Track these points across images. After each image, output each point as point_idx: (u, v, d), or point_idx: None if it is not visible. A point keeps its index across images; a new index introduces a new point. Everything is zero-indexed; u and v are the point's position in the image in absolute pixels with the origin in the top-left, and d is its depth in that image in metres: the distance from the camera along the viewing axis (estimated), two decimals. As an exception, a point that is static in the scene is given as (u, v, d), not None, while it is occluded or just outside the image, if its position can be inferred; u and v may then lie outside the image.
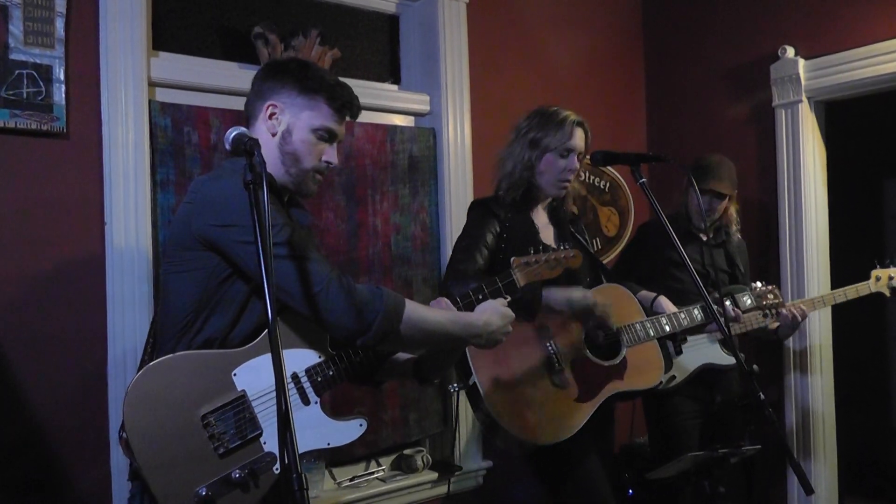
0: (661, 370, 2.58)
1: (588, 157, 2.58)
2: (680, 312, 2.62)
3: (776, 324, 3.07)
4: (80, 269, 2.54)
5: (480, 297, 1.94)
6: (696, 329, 2.74)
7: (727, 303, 2.75)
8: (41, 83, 2.45)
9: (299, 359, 1.76)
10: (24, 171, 2.44)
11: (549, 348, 2.39)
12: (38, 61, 2.44)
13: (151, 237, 2.65)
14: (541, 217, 2.61)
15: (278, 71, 1.88)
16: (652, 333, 2.54)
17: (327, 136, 1.87)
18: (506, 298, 1.97)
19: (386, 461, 3.36)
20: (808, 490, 2.03)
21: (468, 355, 2.28)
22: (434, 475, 3.34)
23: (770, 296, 2.88)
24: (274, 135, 1.84)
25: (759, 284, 2.92)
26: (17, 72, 2.40)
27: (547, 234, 2.59)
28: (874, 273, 3.04)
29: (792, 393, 3.64)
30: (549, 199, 2.63)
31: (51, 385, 2.46)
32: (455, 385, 2.36)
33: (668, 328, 2.58)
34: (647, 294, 2.70)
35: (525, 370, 2.35)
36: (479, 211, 2.55)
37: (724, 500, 2.49)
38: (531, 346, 2.38)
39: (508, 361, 2.34)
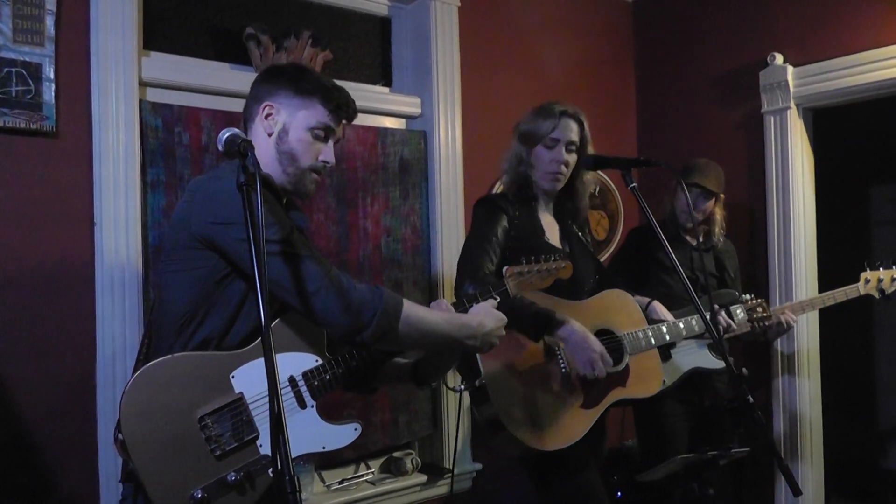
0: (661, 378, 2.59)
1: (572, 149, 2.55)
2: (679, 322, 2.63)
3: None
4: (69, 270, 2.51)
5: (474, 303, 1.95)
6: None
7: (722, 314, 2.77)
8: (30, 82, 2.43)
9: (297, 362, 1.75)
10: (13, 171, 2.42)
11: (558, 353, 2.38)
12: (27, 59, 2.42)
13: (141, 239, 2.63)
14: (546, 214, 2.60)
15: (275, 74, 1.91)
16: (654, 342, 2.54)
17: (323, 134, 1.87)
18: (495, 299, 1.97)
19: (375, 464, 3.35)
20: (796, 491, 2.05)
21: (478, 357, 2.27)
22: (423, 478, 3.34)
23: (759, 309, 2.95)
24: (270, 134, 1.85)
25: (748, 297, 2.96)
26: (5, 70, 2.38)
27: (552, 232, 2.58)
28: (863, 275, 3.05)
29: (780, 396, 3.67)
30: (555, 196, 2.61)
31: (38, 388, 2.43)
32: (461, 386, 2.35)
33: (668, 337, 2.59)
34: (640, 299, 2.71)
35: (533, 374, 2.34)
36: (486, 207, 2.53)
37: (713, 501, 2.50)
38: (540, 350, 2.37)
39: (517, 365, 2.33)
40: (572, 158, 2.52)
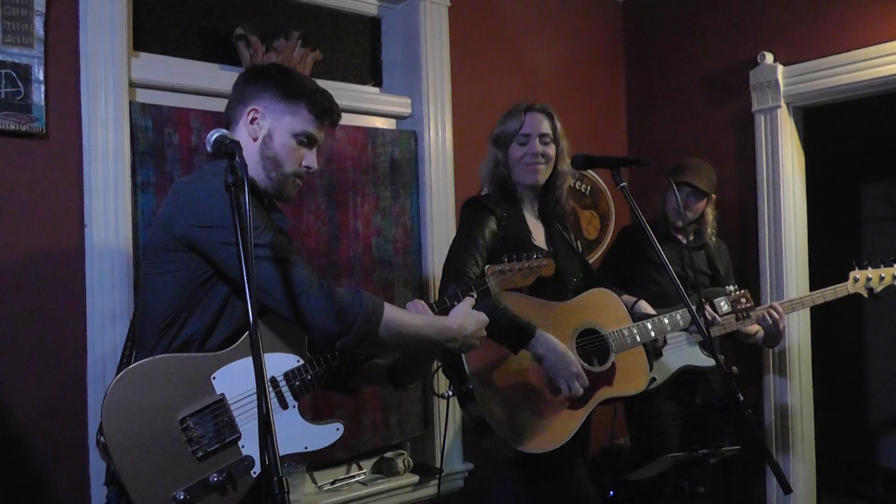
0: (648, 375, 2.59)
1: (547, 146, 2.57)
2: (664, 317, 2.63)
3: (756, 328, 3.10)
4: (59, 273, 2.52)
5: (456, 303, 1.95)
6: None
7: (707, 307, 2.79)
8: (20, 83, 2.43)
9: (278, 363, 1.75)
10: (3, 173, 2.42)
11: None
12: (16, 61, 2.42)
13: (132, 240, 2.63)
14: (531, 215, 2.61)
15: (260, 76, 1.89)
16: (639, 339, 2.55)
17: (307, 141, 1.87)
18: (473, 297, 1.98)
19: (367, 464, 3.35)
20: (787, 489, 2.05)
21: (464, 361, 2.27)
22: (415, 478, 3.34)
23: (743, 300, 2.96)
24: (255, 139, 1.84)
25: (731, 289, 2.98)
26: (-6, 72, 2.38)
27: (538, 232, 2.60)
28: (852, 274, 3.06)
29: (771, 393, 3.67)
30: (538, 196, 2.63)
31: (29, 389, 2.43)
32: (449, 391, 2.35)
33: (653, 333, 2.59)
34: (627, 299, 2.72)
35: (520, 377, 2.34)
36: (474, 209, 2.54)
37: (704, 500, 2.51)
38: (526, 353, 2.36)
39: (504, 368, 2.33)
40: (549, 150, 2.55)
